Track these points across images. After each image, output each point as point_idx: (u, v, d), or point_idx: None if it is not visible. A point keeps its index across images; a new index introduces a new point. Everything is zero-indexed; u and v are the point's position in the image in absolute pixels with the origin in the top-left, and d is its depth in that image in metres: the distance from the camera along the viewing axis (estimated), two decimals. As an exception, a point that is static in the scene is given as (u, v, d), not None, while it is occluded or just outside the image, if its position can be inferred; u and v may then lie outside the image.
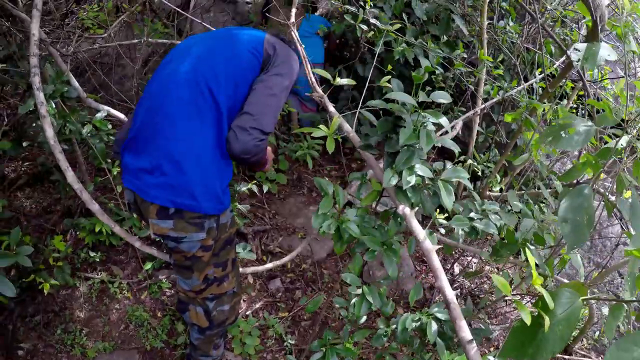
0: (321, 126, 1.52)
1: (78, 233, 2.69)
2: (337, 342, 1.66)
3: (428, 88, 1.50)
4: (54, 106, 2.09)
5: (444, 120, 1.33)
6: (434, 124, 1.32)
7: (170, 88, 1.48)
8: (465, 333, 1.18)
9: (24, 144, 2.65)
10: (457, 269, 2.91)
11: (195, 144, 1.44)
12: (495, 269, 2.96)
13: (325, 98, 1.75)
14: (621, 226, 3.71)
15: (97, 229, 2.51)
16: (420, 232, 1.28)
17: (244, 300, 2.61)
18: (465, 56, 2.51)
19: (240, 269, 2.01)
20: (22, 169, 3.28)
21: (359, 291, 1.38)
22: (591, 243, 3.60)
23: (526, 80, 2.90)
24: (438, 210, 1.39)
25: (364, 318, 1.83)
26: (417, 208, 1.35)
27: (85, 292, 2.57)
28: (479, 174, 2.74)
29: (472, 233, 1.55)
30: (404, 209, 1.33)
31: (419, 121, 1.33)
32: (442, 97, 1.33)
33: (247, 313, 2.56)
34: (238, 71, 1.51)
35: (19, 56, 2.41)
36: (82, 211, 2.78)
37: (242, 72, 1.52)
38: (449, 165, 1.47)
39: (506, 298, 3.00)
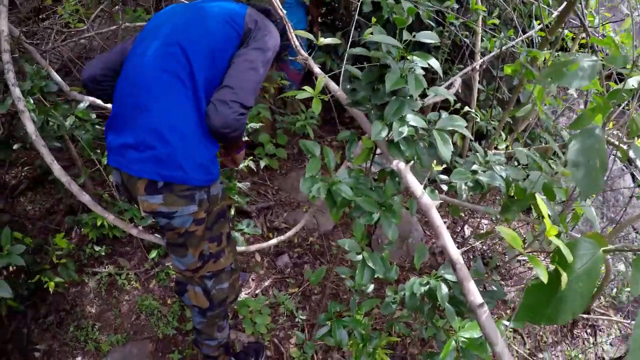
0: (306, 87, 1.38)
1: (82, 230, 2.62)
2: (346, 314, 1.55)
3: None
4: (32, 102, 1.99)
5: (433, 62, 1.18)
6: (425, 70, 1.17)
7: (147, 63, 1.41)
8: (475, 296, 1.03)
9: (15, 146, 2.57)
10: (467, 231, 2.76)
11: (177, 116, 1.36)
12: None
13: (310, 60, 1.60)
14: (633, 178, 3.52)
15: (98, 223, 2.42)
16: (418, 188, 1.13)
17: (252, 279, 2.51)
18: (457, 6, 2.33)
19: (245, 247, 1.90)
20: (23, 174, 3.21)
21: (359, 257, 1.24)
22: (603, 197, 3.43)
23: (524, 33, 2.70)
24: (437, 163, 1.24)
25: (372, 287, 1.71)
26: (412, 162, 1.21)
27: (94, 287, 2.49)
28: (484, 132, 2.57)
29: (477, 187, 1.41)
30: (397, 164, 1.18)
31: (406, 67, 1.18)
32: (429, 37, 1.18)
33: (257, 292, 2.46)
34: (216, 44, 1.43)
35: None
36: (84, 208, 2.70)
37: (221, 45, 1.43)
38: (444, 114, 1.32)
39: (520, 258, 2.85)
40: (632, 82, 1.49)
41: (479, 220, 2.78)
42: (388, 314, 1.55)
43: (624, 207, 2.84)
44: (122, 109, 1.44)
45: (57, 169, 1.81)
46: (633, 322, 2.62)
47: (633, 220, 2.54)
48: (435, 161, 1.21)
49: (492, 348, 1.01)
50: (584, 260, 1.01)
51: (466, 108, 2.09)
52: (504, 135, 2.60)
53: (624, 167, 3.49)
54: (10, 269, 2.39)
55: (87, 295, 2.48)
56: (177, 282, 1.74)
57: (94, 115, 2.08)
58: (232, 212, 2.06)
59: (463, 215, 2.86)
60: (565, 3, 2.22)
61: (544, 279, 0.97)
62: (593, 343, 2.75)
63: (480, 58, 2.52)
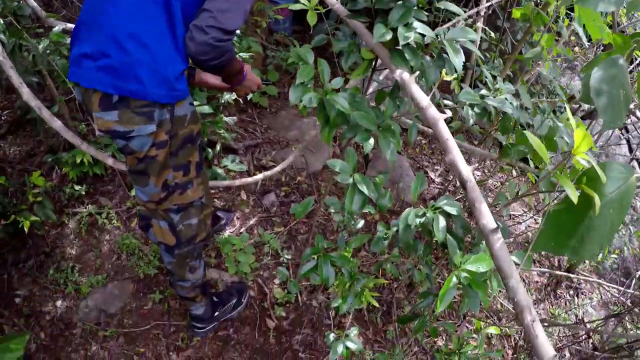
0: (300, -1, 1.18)
1: (62, 170, 2.44)
2: (333, 249, 1.40)
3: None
4: (2, 22, 1.77)
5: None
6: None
7: None
8: (487, 219, 0.87)
9: (-12, 84, 2.34)
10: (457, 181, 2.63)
11: (142, 23, 1.15)
12: (500, 183, 2.68)
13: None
14: (629, 146, 3.39)
15: (78, 160, 2.23)
16: (424, 99, 0.97)
17: (237, 218, 2.34)
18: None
19: (229, 181, 1.72)
20: (2, 118, 2.99)
21: (350, 180, 1.08)
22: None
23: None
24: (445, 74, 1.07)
25: (361, 223, 1.57)
26: (417, 73, 1.04)
27: (74, 227, 2.32)
28: (483, 81, 2.39)
29: (483, 114, 1.24)
30: (401, 73, 1.01)
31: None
32: None
33: (241, 230, 2.30)
34: None
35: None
36: (64, 147, 2.51)
37: None
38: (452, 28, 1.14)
39: (511, 212, 2.74)
40: None
41: (471, 169, 2.64)
42: (376, 256, 1.42)
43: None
44: (86, 20, 1.22)
45: (25, 92, 1.62)
46: (616, 286, 2.55)
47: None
48: (444, 72, 1.04)
49: (505, 281, 0.86)
50: (617, 184, 0.86)
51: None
52: (491, 78, 2.43)
53: (620, 135, 3.36)
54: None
55: (67, 237, 2.32)
56: (141, 216, 1.53)
57: (69, 40, 1.86)
58: (218, 148, 1.88)
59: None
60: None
61: (574, 198, 0.81)
62: (577, 305, 2.69)
63: (487, 2, 2.31)
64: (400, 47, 1.04)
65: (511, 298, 0.84)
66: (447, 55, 1.05)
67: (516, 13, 2.19)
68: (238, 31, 1.79)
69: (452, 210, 1.20)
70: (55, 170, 2.52)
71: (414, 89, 0.98)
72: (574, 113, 2.06)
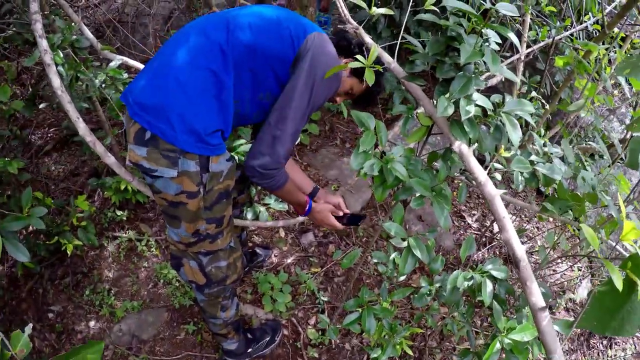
0: (358, 57, 1.23)
1: (104, 193, 2.53)
2: (373, 300, 1.42)
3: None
4: (61, 55, 1.87)
5: (512, 36, 1.03)
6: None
7: (191, 34, 1.32)
8: (537, 298, 0.92)
9: (41, 106, 2.46)
10: (496, 227, 2.62)
11: (194, 76, 1.25)
12: (535, 228, 2.66)
13: (361, 29, 1.44)
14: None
15: (122, 187, 2.31)
16: (482, 174, 0.99)
17: (275, 255, 2.39)
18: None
19: (272, 222, 1.76)
20: (49, 135, 3.13)
21: (404, 244, 1.11)
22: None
23: (572, 27, 2.51)
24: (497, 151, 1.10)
25: (404, 276, 1.58)
26: (475, 145, 1.07)
27: (113, 251, 2.40)
28: (541, 142, 2.39)
29: (532, 179, 1.26)
30: (460, 145, 1.04)
31: (479, 39, 1.03)
32: (509, 9, 1.02)
33: (279, 269, 2.34)
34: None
35: (22, 10, 2.19)
36: (108, 171, 2.61)
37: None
38: (509, 98, 1.17)
39: (550, 262, 2.70)
40: None
41: (525, 248, 2.63)
42: (419, 306, 1.43)
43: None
44: (161, 53, 1.34)
45: (82, 127, 1.69)
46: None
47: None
48: (500, 146, 1.07)
49: (549, 356, 0.90)
50: (659, 270, 0.88)
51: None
52: (542, 131, 2.43)
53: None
54: (30, 229, 2.31)
55: (106, 260, 2.40)
56: (172, 255, 1.58)
57: (125, 75, 1.95)
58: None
59: (491, 210, 2.70)
60: (627, -4, 2.03)
61: (619, 285, 0.84)
62: (610, 357, 2.61)
63: (527, 48, 2.34)
64: (459, 118, 1.07)
65: None
66: (504, 126, 1.07)
67: (559, 62, 2.20)
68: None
69: (499, 275, 1.22)
70: (97, 192, 2.62)
71: (472, 162, 1.01)
72: (613, 161, 2.04)
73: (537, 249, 2.52)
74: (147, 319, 2.18)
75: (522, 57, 2.48)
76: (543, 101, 2.39)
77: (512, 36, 1.03)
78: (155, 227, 2.47)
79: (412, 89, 1.22)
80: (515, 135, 1.03)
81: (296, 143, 2.50)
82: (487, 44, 1.04)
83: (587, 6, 2.57)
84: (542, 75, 2.41)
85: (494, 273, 1.21)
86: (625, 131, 3.18)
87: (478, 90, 1.11)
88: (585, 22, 2.48)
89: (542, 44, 2.20)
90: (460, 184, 1.26)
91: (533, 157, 1.27)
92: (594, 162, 2.29)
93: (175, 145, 1.23)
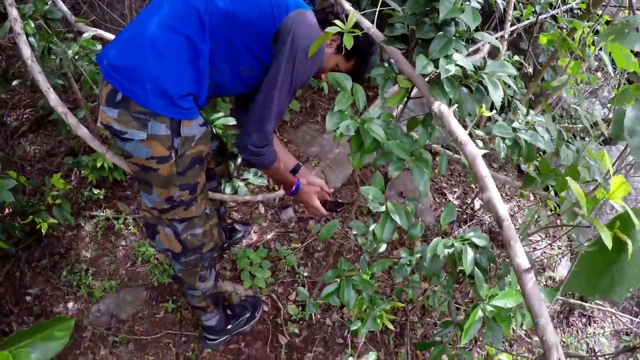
0: (337, 22, 1.18)
1: (81, 172, 2.45)
2: (353, 273, 1.39)
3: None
4: (32, 25, 1.78)
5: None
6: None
7: (165, 3, 1.28)
8: (522, 259, 0.87)
9: (14, 82, 2.36)
10: (477, 204, 2.60)
11: (169, 42, 1.22)
12: (517, 207, 2.66)
13: (340, -5, 1.39)
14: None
15: (98, 165, 2.24)
16: (463, 133, 0.96)
17: (254, 231, 2.34)
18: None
19: (251, 196, 1.72)
20: (24, 116, 3.02)
21: (382, 208, 1.07)
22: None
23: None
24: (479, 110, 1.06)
25: (384, 247, 1.56)
26: (455, 106, 1.03)
27: (91, 231, 2.33)
28: (504, 104, 2.37)
29: (514, 147, 1.23)
30: (440, 105, 1.00)
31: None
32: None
33: (258, 245, 2.29)
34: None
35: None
36: (85, 150, 2.53)
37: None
38: (490, 61, 1.13)
39: (531, 238, 2.71)
40: None
41: (508, 208, 2.62)
42: (392, 277, 1.40)
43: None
44: (134, 22, 1.31)
45: (53, 98, 1.62)
46: (629, 316, 2.52)
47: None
48: (481, 107, 1.04)
49: (535, 320, 0.87)
50: (651, 230, 0.86)
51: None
52: (525, 110, 2.42)
53: None
54: (6, 211, 2.23)
55: (83, 240, 2.33)
56: (147, 223, 1.55)
57: (99, 47, 1.87)
58: (239, 161, 1.88)
59: (474, 187, 2.69)
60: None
61: (609, 244, 0.81)
62: (589, 334, 2.65)
63: (511, 27, 2.30)
64: (439, 79, 1.03)
65: (540, 336, 0.84)
66: (486, 89, 1.04)
67: (543, 39, 2.18)
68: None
69: (480, 242, 1.19)
70: (74, 172, 2.54)
71: (452, 122, 0.97)
72: (605, 141, 2.05)
73: (517, 227, 2.52)
74: (126, 298, 2.12)
75: (506, 36, 2.45)
76: (523, 84, 2.38)
77: (494, -8, 0.99)
78: (133, 205, 2.40)
79: (391, 52, 1.18)
80: (497, 95, 1.00)
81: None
82: (467, 2, 1.00)
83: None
84: (525, 55, 2.39)
85: (475, 240, 1.19)
86: (606, 114, 3.20)
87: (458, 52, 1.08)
88: (570, 3, 2.46)
89: (526, 22, 2.17)
90: (441, 153, 1.23)
91: (516, 125, 1.24)
92: (573, 140, 2.28)
93: (146, 108, 1.21)
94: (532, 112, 1.32)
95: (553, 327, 0.87)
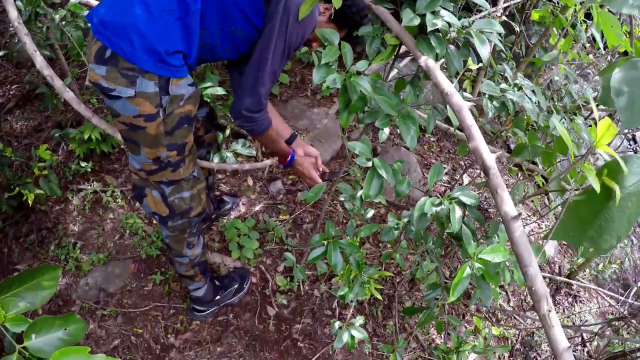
0: (325, -18, 1.18)
1: (68, 146, 2.43)
2: (339, 236, 1.40)
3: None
4: (18, -14, 1.75)
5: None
6: None
7: None
8: (509, 207, 0.87)
9: None
10: (466, 179, 2.62)
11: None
12: (506, 185, 2.67)
13: (329, -42, 1.38)
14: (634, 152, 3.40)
15: (85, 137, 2.22)
16: (448, 85, 0.96)
17: (243, 203, 2.33)
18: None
19: (239, 165, 1.72)
20: (11, 92, 2.98)
21: (369, 164, 1.08)
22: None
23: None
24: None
25: (371, 212, 1.56)
26: (442, 60, 1.03)
27: (78, 204, 2.31)
28: (511, 73, 2.38)
29: (502, 108, 1.24)
30: (426, 60, 1.00)
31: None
32: None
33: (246, 216, 2.30)
34: None
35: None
36: (72, 124, 2.50)
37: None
38: (477, 19, 1.13)
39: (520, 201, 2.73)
40: None
41: (478, 171, 2.64)
42: (381, 249, 1.41)
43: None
44: None
45: (39, 60, 1.60)
46: (615, 294, 2.56)
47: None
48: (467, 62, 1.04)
49: (524, 269, 0.86)
50: (637, 177, 0.87)
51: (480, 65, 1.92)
52: (511, 73, 2.44)
53: (628, 146, 3.36)
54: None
55: (70, 213, 2.31)
56: (134, 186, 1.55)
57: (86, 12, 1.85)
58: (228, 132, 1.87)
59: (462, 164, 2.71)
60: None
61: (597, 187, 0.82)
62: (575, 312, 2.69)
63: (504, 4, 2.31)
64: (426, 34, 1.03)
65: (529, 287, 0.84)
66: (472, 45, 1.04)
67: (535, 15, 2.18)
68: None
69: (469, 201, 1.20)
70: (61, 146, 2.52)
71: (439, 75, 0.98)
72: (585, 118, 2.06)
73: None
74: (114, 271, 2.12)
75: (499, 13, 2.46)
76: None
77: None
78: (120, 178, 2.39)
79: (379, 12, 1.18)
80: (484, 50, 1.00)
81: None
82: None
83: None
84: (517, 34, 2.40)
85: (463, 199, 1.19)
86: (597, 95, 3.22)
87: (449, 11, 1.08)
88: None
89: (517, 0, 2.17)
90: (429, 113, 1.24)
91: (503, 86, 1.25)
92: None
93: (135, 64, 1.20)
94: (520, 75, 1.33)
95: (542, 278, 0.88)
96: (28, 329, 0.83)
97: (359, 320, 1.44)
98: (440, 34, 1.05)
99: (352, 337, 1.37)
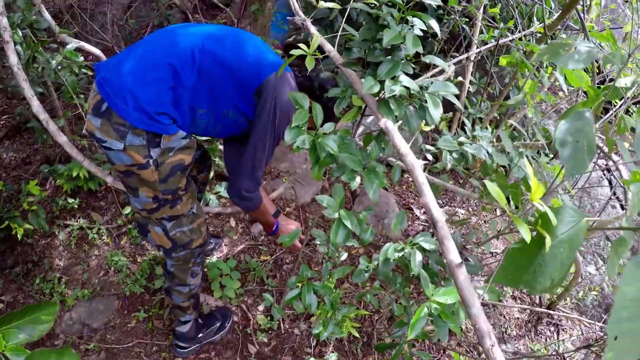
0: (300, 45, 1.34)
1: (56, 181, 2.54)
2: (316, 278, 1.52)
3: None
4: (20, 34, 1.91)
5: (433, 23, 1.15)
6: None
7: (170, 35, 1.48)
8: (454, 255, 1.00)
9: (-5, 88, 2.47)
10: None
11: (158, 67, 1.39)
12: (484, 222, 2.82)
13: (308, 21, 1.55)
14: (611, 185, 3.57)
15: (74, 174, 2.35)
16: (404, 146, 1.11)
17: (225, 244, 2.46)
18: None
19: (220, 208, 1.85)
20: (1, 122, 3.11)
21: (336, 215, 1.21)
22: (580, 202, 3.47)
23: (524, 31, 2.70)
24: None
25: (345, 256, 1.69)
26: (400, 122, 1.18)
27: (64, 239, 2.42)
28: (470, 125, 2.56)
29: (461, 159, 1.39)
30: (386, 122, 1.15)
31: (405, 26, 1.15)
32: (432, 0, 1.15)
33: (228, 257, 2.42)
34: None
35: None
36: (60, 159, 2.63)
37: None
38: (435, 81, 1.29)
39: (492, 250, 2.87)
40: (623, 82, 1.51)
41: (455, 209, 2.78)
42: (359, 289, 1.53)
43: (599, 212, 2.88)
44: (148, 40, 1.49)
45: (35, 105, 1.75)
46: (598, 323, 2.67)
47: (609, 222, 2.56)
48: (423, 122, 1.19)
49: (468, 310, 0.99)
50: (568, 226, 1.00)
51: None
52: (490, 129, 2.60)
53: (602, 176, 3.54)
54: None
55: (57, 248, 2.41)
56: (138, 224, 1.73)
57: (82, 58, 2.00)
58: (212, 174, 2.01)
59: (440, 202, 2.85)
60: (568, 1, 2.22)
61: (527, 238, 0.95)
62: (557, 341, 2.78)
63: (477, 49, 2.51)
64: (387, 99, 1.18)
65: (473, 325, 0.96)
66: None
67: (502, 61, 2.37)
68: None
69: (428, 246, 1.33)
70: (49, 181, 2.63)
71: (396, 137, 1.12)
72: (555, 156, 2.22)
73: (483, 239, 2.68)
74: (98, 307, 2.21)
75: (472, 58, 2.66)
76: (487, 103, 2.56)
77: (433, 23, 1.15)
78: (106, 215, 2.50)
79: (348, 74, 1.34)
80: (436, 112, 1.15)
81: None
82: (411, 29, 1.16)
83: (538, 14, 2.77)
84: (488, 75, 2.59)
85: (424, 245, 1.33)
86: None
87: (407, 75, 1.24)
88: (532, 27, 2.68)
89: (489, 45, 2.37)
90: (395, 166, 1.38)
91: (462, 139, 1.40)
92: (539, 157, 2.46)
93: (126, 120, 1.35)
94: (477, 127, 1.48)
95: (485, 317, 1.00)
96: (26, 359, 0.95)
97: (333, 357, 1.54)
98: (399, 98, 1.20)
99: (326, 374, 1.47)
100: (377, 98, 1.24)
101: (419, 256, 1.29)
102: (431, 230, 2.72)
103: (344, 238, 1.24)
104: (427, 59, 1.31)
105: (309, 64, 1.32)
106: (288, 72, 1.54)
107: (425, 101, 1.21)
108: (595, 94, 1.54)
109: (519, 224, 0.99)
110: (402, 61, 1.22)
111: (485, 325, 0.98)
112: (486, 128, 2.54)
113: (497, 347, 0.96)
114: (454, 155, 1.37)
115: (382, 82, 1.17)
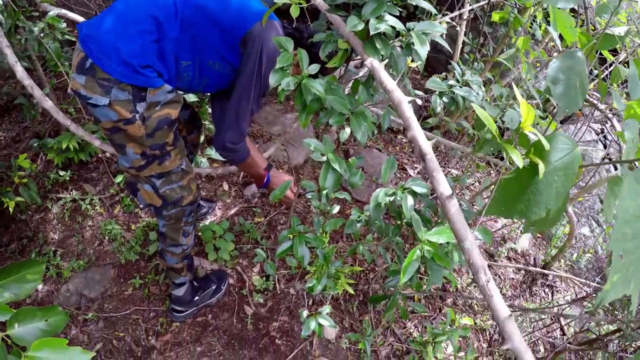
0: (284, -7, 1.31)
1: (47, 156, 2.53)
2: (308, 232, 1.52)
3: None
4: (0, 2, 1.87)
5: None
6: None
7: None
8: (444, 187, 0.98)
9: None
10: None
11: (141, 21, 1.36)
12: (477, 183, 2.83)
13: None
14: (604, 147, 3.58)
15: (64, 146, 2.33)
16: (390, 82, 1.09)
17: (219, 208, 2.46)
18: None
19: (211, 169, 1.84)
20: (-12, 103, 3.08)
21: (324, 158, 1.21)
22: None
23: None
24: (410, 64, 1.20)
25: (337, 209, 1.69)
26: (386, 61, 1.17)
27: (58, 213, 2.41)
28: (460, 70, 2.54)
29: (452, 103, 1.38)
30: (372, 61, 1.14)
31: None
32: None
33: (222, 220, 2.42)
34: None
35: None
36: (50, 133, 2.61)
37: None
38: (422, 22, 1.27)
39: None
40: (617, 31, 1.50)
41: (448, 169, 2.78)
42: (350, 233, 1.53)
43: (593, 174, 2.88)
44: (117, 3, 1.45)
45: (20, 71, 1.72)
46: (591, 283, 2.70)
47: (600, 183, 2.57)
48: (410, 59, 1.18)
49: (461, 244, 0.97)
50: (562, 153, 0.99)
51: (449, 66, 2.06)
52: (459, 69, 2.59)
53: (597, 140, 3.54)
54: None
55: (50, 222, 2.41)
56: (128, 183, 1.70)
57: (64, 24, 1.97)
58: (202, 138, 2.00)
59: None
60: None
61: (520, 163, 0.94)
62: (552, 301, 2.82)
63: (469, 6, 2.47)
64: (372, 39, 1.17)
65: (466, 260, 0.94)
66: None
67: (495, 16, 2.35)
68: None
69: (420, 190, 1.33)
70: (40, 156, 2.62)
71: (382, 74, 1.11)
72: (553, 116, 2.21)
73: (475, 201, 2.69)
74: (94, 277, 2.21)
75: (464, 16, 2.62)
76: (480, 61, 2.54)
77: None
78: (99, 186, 2.50)
79: (333, 19, 1.31)
80: (422, 50, 1.14)
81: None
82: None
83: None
84: (480, 35, 2.56)
85: (415, 188, 1.32)
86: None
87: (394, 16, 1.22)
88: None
89: (482, 2, 2.34)
90: (384, 112, 1.37)
91: (452, 82, 1.39)
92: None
93: (111, 75, 1.33)
94: (468, 72, 1.47)
95: (479, 251, 1.00)
96: (11, 318, 0.95)
97: (326, 309, 1.55)
98: (385, 37, 1.19)
99: (320, 325, 1.49)
100: (362, 40, 1.23)
101: (410, 200, 1.28)
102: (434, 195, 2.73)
103: (333, 182, 1.23)
104: (414, 1, 1.29)
105: (294, 12, 1.30)
106: (275, 20, 1.51)
107: (413, 43, 1.19)
108: (587, 40, 1.52)
109: (510, 151, 0.98)
110: (388, 2, 1.20)
111: (480, 260, 0.96)
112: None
113: (492, 283, 0.95)
114: (444, 99, 1.36)
115: (367, 22, 1.15)
